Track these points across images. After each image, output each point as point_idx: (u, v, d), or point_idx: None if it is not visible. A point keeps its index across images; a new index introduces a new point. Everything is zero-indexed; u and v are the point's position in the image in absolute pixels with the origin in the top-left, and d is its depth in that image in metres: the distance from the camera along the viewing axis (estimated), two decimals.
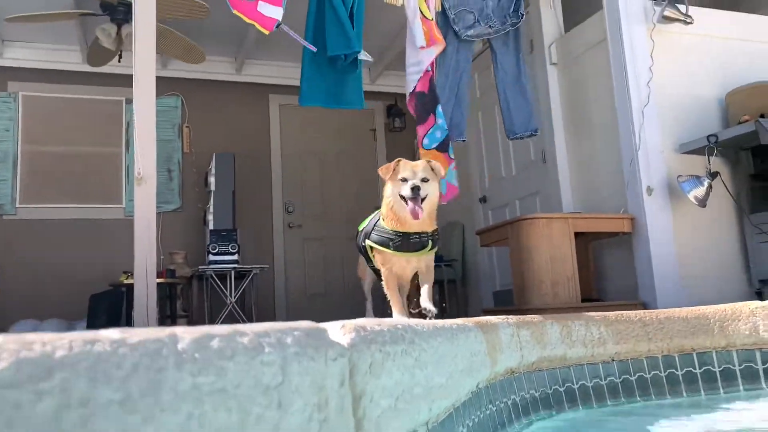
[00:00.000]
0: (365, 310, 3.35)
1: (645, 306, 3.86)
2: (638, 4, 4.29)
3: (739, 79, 4.31)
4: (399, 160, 2.71)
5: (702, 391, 2.48)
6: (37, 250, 6.23)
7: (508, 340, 2.04)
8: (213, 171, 6.34)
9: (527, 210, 5.20)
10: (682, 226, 4.09)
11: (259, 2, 3.66)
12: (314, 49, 3.96)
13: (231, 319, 5.74)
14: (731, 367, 2.55)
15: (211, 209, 6.25)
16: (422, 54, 4.16)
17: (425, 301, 2.73)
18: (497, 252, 5.74)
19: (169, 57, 6.26)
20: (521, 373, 2.14)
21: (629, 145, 4.13)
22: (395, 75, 6.97)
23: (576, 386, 2.34)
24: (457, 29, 4.46)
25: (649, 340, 2.50)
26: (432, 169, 2.68)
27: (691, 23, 4.26)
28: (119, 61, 5.36)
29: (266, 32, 3.74)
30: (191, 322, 6.18)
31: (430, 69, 4.18)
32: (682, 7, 4.25)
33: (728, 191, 4.14)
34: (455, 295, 6.40)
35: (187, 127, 6.93)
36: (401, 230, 2.69)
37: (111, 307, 5.51)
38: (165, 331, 0.72)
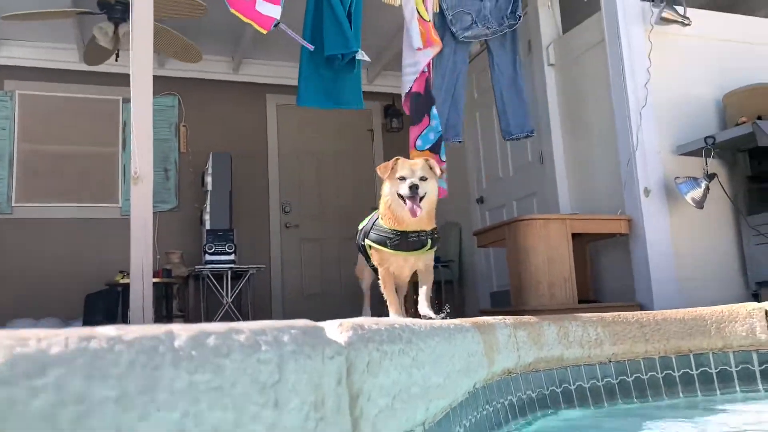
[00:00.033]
0: (362, 308, 3.32)
1: (642, 307, 3.86)
2: (636, 5, 4.30)
3: (737, 80, 4.31)
4: (397, 159, 2.68)
5: (699, 393, 2.48)
6: (33, 249, 6.21)
7: (505, 341, 2.04)
8: (210, 170, 6.33)
9: (524, 211, 5.21)
10: (679, 227, 4.09)
11: (258, 0, 3.65)
12: (311, 47, 3.95)
13: (227, 320, 5.72)
14: (728, 368, 2.55)
15: (208, 209, 6.24)
16: (419, 55, 4.16)
17: (423, 308, 2.70)
18: (494, 253, 5.74)
19: (166, 56, 6.24)
20: (518, 374, 2.14)
21: (627, 147, 4.13)
22: (393, 75, 6.97)
23: (573, 387, 2.34)
24: (454, 30, 4.46)
25: (646, 342, 2.50)
26: (430, 168, 2.65)
27: (688, 25, 4.27)
28: (116, 60, 5.35)
29: (264, 32, 3.73)
30: (187, 322, 6.16)
31: (426, 70, 4.18)
32: (679, 9, 4.26)
33: (725, 193, 4.15)
34: (452, 295, 6.39)
35: (184, 126, 6.91)
36: (399, 229, 2.66)
37: (107, 307, 5.50)
38: (162, 329, 0.71)
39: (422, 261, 2.76)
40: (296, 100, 4.13)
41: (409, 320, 1.40)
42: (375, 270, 2.90)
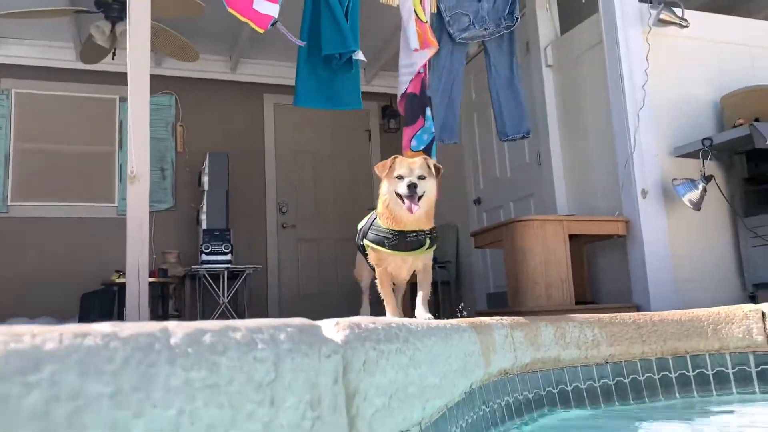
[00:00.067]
0: (361, 306, 3.29)
1: (639, 309, 3.86)
2: (634, 7, 4.30)
3: (734, 82, 4.32)
4: (395, 157, 2.65)
5: (695, 394, 2.48)
6: (28, 248, 6.19)
7: (502, 341, 2.03)
8: (206, 170, 6.32)
9: (522, 212, 5.21)
10: (676, 229, 4.09)
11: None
12: (302, 44, 3.94)
13: (223, 320, 5.70)
14: (724, 370, 2.55)
15: (205, 209, 6.23)
16: (415, 56, 4.16)
17: (421, 311, 2.69)
18: (491, 254, 5.74)
19: (163, 55, 6.23)
20: (515, 375, 2.13)
21: (624, 148, 4.14)
22: (390, 76, 6.96)
23: (569, 388, 2.33)
24: (451, 31, 4.46)
25: (643, 343, 2.50)
26: (429, 166, 2.62)
27: (686, 27, 4.27)
28: (113, 59, 5.34)
29: (261, 31, 3.73)
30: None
31: (422, 71, 4.18)
32: (677, 11, 4.26)
33: (723, 195, 4.15)
34: (449, 296, 6.39)
35: (180, 125, 6.90)
36: (397, 229, 2.63)
37: (103, 306, 5.49)
38: (157, 326, 0.71)
39: (421, 261, 2.73)
40: (293, 101, 4.11)
41: (406, 320, 1.40)
42: (375, 269, 2.87)
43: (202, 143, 6.78)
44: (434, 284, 2.91)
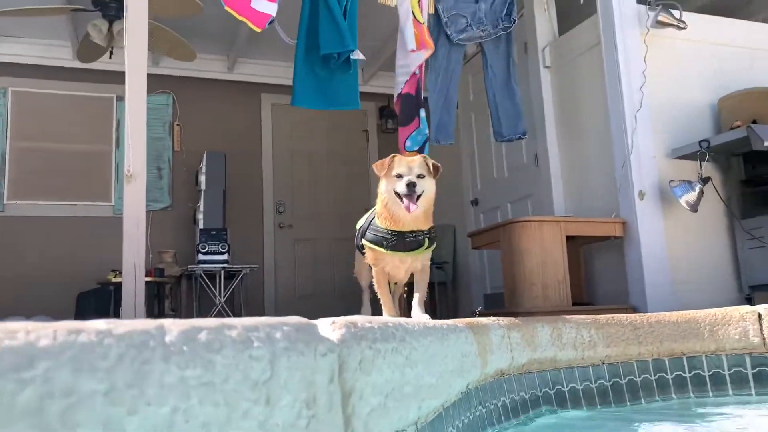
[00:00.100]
0: (362, 306, 3.26)
1: (635, 310, 3.86)
2: (632, 8, 4.30)
3: (732, 84, 4.33)
4: (394, 156, 2.62)
5: (691, 396, 2.48)
6: (25, 247, 6.18)
7: (498, 342, 2.03)
8: (203, 170, 6.31)
9: (519, 213, 5.21)
10: (673, 230, 4.10)
11: None
12: (292, 42, 3.93)
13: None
14: (721, 371, 2.55)
15: (201, 208, 6.22)
16: (411, 57, 4.17)
17: (417, 311, 2.68)
18: (488, 255, 5.74)
19: (160, 54, 6.22)
20: (511, 375, 2.13)
21: (621, 149, 4.14)
22: (388, 76, 6.95)
23: (566, 389, 2.33)
24: (449, 33, 4.46)
25: (640, 344, 2.50)
26: (428, 165, 2.60)
27: (684, 28, 4.27)
28: (110, 58, 5.33)
29: (258, 30, 3.72)
30: None
31: (417, 72, 4.19)
32: (675, 13, 4.27)
33: (720, 197, 4.16)
34: (446, 297, 6.39)
35: (178, 125, 6.89)
36: (396, 229, 2.61)
37: (99, 306, 5.48)
38: (152, 323, 0.70)
39: (419, 261, 2.71)
40: (291, 101, 4.11)
41: (403, 319, 1.39)
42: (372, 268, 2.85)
43: (199, 143, 6.77)
44: (431, 285, 2.90)
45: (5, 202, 6.27)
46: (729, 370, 2.54)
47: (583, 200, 4.69)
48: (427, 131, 4.17)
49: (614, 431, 2.08)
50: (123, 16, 3.80)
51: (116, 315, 5.00)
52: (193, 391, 0.67)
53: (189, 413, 0.66)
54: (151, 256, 5.89)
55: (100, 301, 5.52)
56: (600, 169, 4.50)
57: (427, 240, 2.65)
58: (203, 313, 6.21)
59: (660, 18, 4.23)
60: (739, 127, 3.90)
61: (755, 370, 2.52)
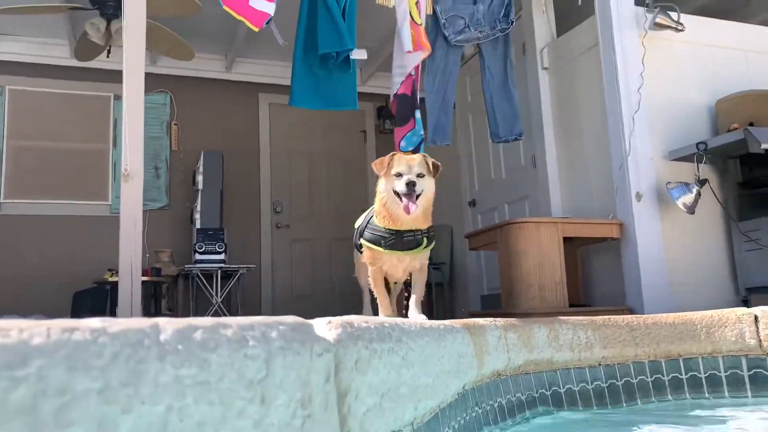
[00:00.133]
0: (363, 307, 3.24)
1: (632, 312, 3.87)
2: (630, 10, 4.31)
3: (729, 87, 4.34)
4: (394, 154, 2.60)
5: (688, 397, 2.48)
6: (21, 245, 6.17)
7: (495, 343, 2.03)
8: (201, 169, 6.30)
9: (516, 214, 5.21)
10: (670, 232, 4.10)
11: None
12: (284, 45, 3.93)
13: None
14: (717, 373, 2.55)
15: (199, 208, 6.22)
16: (407, 58, 4.18)
17: (414, 311, 2.67)
18: (485, 256, 5.74)
19: (158, 54, 6.22)
20: (508, 376, 2.13)
21: (619, 151, 4.14)
22: (386, 77, 6.92)
23: (563, 390, 2.33)
24: (447, 34, 4.47)
25: (636, 345, 2.50)
26: (428, 164, 2.58)
27: (682, 30, 4.28)
28: (107, 57, 5.32)
29: (256, 29, 3.72)
30: None
31: (413, 73, 4.20)
32: (673, 15, 4.27)
33: (717, 199, 4.16)
34: (443, 298, 6.39)
35: (175, 124, 6.89)
36: (394, 228, 2.59)
37: (95, 305, 5.47)
38: (147, 322, 0.70)
39: (418, 261, 2.69)
40: (289, 101, 4.10)
41: (399, 319, 1.39)
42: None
43: (196, 142, 6.77)
44: (428, 285, 2.89)
45: (2, 200, 6.25)
46: (725, 372, 2.55)
47: (581, 201, 4.69)
48: (422, 132, 4.18)
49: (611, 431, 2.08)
50: (121, 15, 3.80)
51: (113, 314, 4.99)
52: (188, 390, 0.67)
53: (184, 412, 0.66)
54: (147, 255, 5.87)
55: (97, 300, 5.51)
56: (597, 171, 4.51)
57: (425, 239, 2.64)
58: (200, 313, 6.20)
59: (658, 20, 4.24)
60: (736, 129, 3.90)
61: (751, 372, 2.53)
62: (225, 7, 3.64)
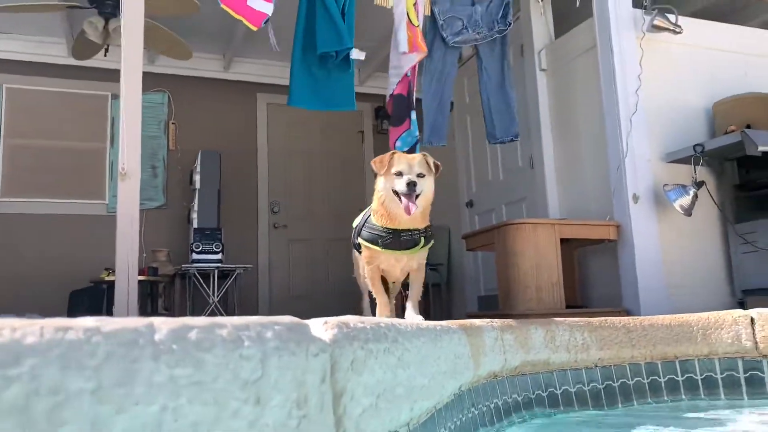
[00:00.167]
0: (363, 309, 3.23)
1: (629, 313, 3.87)
2: (628, 12, 4.31)
3: (727, 89, 4.34)
4: (394, 153, 2.58)
5: (684, 399, 2.48)
6: (17, 244, 6.15)
7: (491, 344, 2.03)
8: (198, 169, 6.30)
9: (514, 215, 5.21)
10: (667, 234, 4.10)
11: None
12: (277, 50, 3.94)
13: None
14: (713, 375, 2.55)
15: (196, 207, 6.21)
16: (403, 59, 4.19)
17: (411, 312, 2.66)
18: (483, 256, 5.74)
19: (156, 53, 6.21)
20: (504, 377, 2.13)
21: (616, 153, 4.15)
22: (384, 77, 6.92)
23: (559, 392, 2.33)
24: (445, 35, 4.47)
25: (633, 347, 2.50)
26: (428, 164, 2.57)
27: (680, 33, 4.28)
28: (105, 56, 5.31)
29: (254, 28, 3.72)
30: None
31: (409, 74, 4.20)
32: (671, 17, 4.28)
33: (713, 201, 4.17)
34: (440, 299, 6.39)
35: (173, 123, 6.88)
36: (392, 227, 2.58)
37: (91, 304, 5.45)
38: (142, 321, 0.70)
39: (415, 260, 2.68)
40: (287, 101, 4.10)
41: (396, 320, 1.39)
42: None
43: (194, 141, 6.76)
44: (425, 286, 2.89)
45: None
46: (721, 374, 2.55)
47: (578, 203, 4.69)
48: (417, 133, 4.18)
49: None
50: (119, 13, 3.79)
51: (109, 313, 4.98)
52: (182, 390, 0.67)
53: (178, 412, 0.65)
54: (144, 254, 5.87)
55: (93, 299, 5.50)
56: (595, 172, 4.51)
57: (422, 239, 2.63)
58: (197, 313, 6.19)
59: (656, 22, 4.24)
60: (733, 131, 3.91)
61: (747, 374, 2.53)
62: (223, 6, 3.63)
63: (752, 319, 2.58)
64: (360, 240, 2.69)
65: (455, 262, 6.45)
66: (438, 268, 6.29)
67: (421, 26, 4.28)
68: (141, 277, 4.84)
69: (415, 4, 4.24)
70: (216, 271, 5.87)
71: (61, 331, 0.59)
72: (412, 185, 2.47)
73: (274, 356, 0.80)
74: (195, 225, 6.11)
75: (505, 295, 3.90)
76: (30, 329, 0.57)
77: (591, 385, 2.40)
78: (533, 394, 2.24)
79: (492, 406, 1.98)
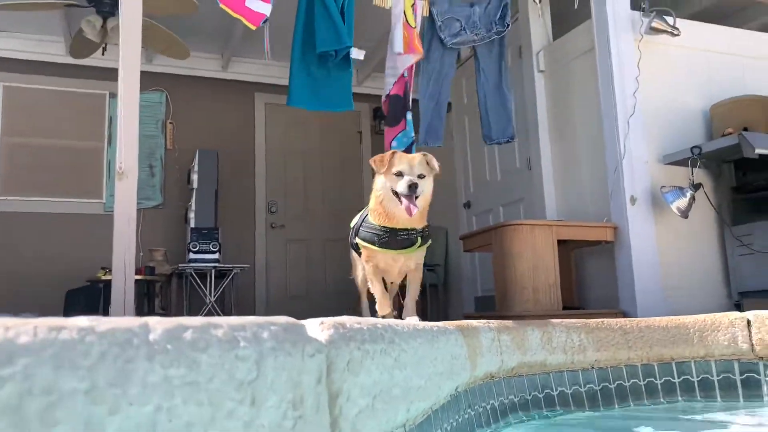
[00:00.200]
0: (361, 309, 3.21)
1: (625, 315, 3.87)
2: (626, 14, 4.31)
3: (724, 91, 4.35)
4: (394, 152, 2.57)
5: (680, 401, 2.48)
6: (14, 243, 6.14)
7: (488, 345, 2.03)
8: (196, 168, 6.29)
9: (511, 216, 5.21)
10: (664, 236, 4.11)
11: None
12: (268, 58, 3.95)
13: None
14: (709, 377, 2.55)
15: (193, 207, 6.20)
16: (399, 59, 4.19)
17: (408, 312, 2.65)
18: (480, 257, 5.74)
19: (154, 52, 6.20)
20: (500, 378, 2.13)
21: (614, 154, 4.15)
22: (382, 77, 6.94)
23: (555, 393, 2.33)
24: (443, 36, 4.47)
25: (629, 349, 2.50)
26: (428, 164, 2.56)
27: (678, 35, 4.29)
28: (103, 54, 5.30)
29: (253, 27, 3.71)
30: None
31: (406, 75, 4.21)
32: (669, 19, 4.28)
33: (710, 203, 4.17)
34: (437, 299, 6.39)
35: (170, 123, 6.87)
36: (389, 226, 2.57)
37: (88, 303, 5.44)
38: (137, 321, 0.69)
39: (413, 260, 2.67)
40: (287, 101, 4.10)
41: (392, 321, 1.39)
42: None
43: (191, 141, 6.75)
44: (422, 287, 2.88)
45: None
46: (717, 375, 2.55)
47: (575, 204, 4.69)
48: (413, 134, 4.19)
49: None
50: (117, 12, 3.78)
51: (105, 313, 4.97)
52: (177, 391, 0.66)
53: (172, 412, 0.65)
54: (141, 254, 5.86)
55: (90, 298, 5.48)
56: (592, 174, 4.51)
57: (419, 238, 2.62)
58: (193, 312, 6.18)
59: (654, 24, 4.24)
60: (730, 134, 3.91)
61: (743, 376, 2.53)
62: (222, 5, 3.63)
63: (749, 322, 2.58)
64: (357, 240, 2.69)
65: (452, 263, 6.45)
66: (435, 269, 6.28)
67: (418, 28, 4.28)
68: (138, 277, 4.82)
69: (413, 5, 4.24)
70: (213, 271, 5.87)
71: (54, 331, 0.59)
72: (413, 187, 2.46)
73: (270, 357, 0.80)
74: (192, 224, 6.10)
75: (502, 296, 3.90)
76: (23, 328, 0.57)
77: (587, 386, 2.40)
78: (530, 395, 2.24)
79: (488, 407, 1.98)
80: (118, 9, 3.63)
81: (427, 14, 4.44)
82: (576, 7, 4.67)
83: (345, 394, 0.98)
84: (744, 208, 4.17)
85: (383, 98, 4.25)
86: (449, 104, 4.94)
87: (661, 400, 2.47)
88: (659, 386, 2.50)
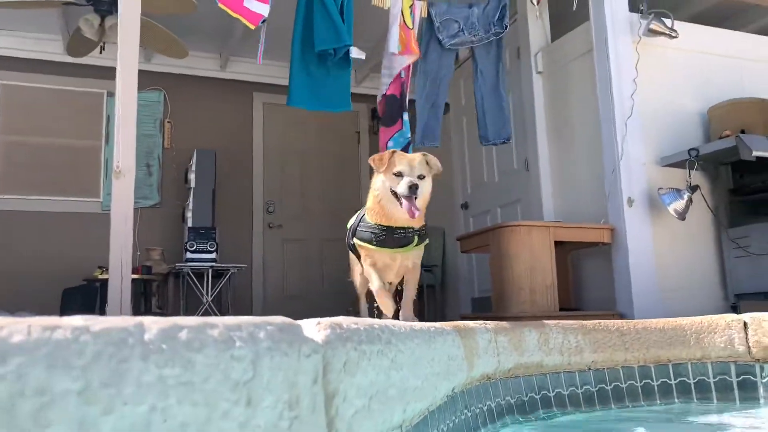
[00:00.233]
0: (359, 311, 3.19)
1: (622, 317, 3.87)
2: (624, 16, 4.32)
3: (722, 94, 4.35)
4: (394, 152, 2.55)
5: (677, 402, 2.48)
6: (11, 242, 6.12)
7: (485, 346, 2.02)
8: (193, 168, 6.28)
9: (508, 217, 5.21)
10: (661, 238, 4.11)
11: None
12: (260, 61, 3.95)
13: None
14: (706, 379, 2.55)
15: (190, 206, 6.19)
16: (395, 59, 4.19)
17: (406, 313, 2.64)
18: (477, 258, 5.74)
19: (152, 51, 6.19)
20: (497, 379, 2.12)
21: (611, 156, 4.15)
22: (380, 78, 6.96)
23: (552, 394, 2.33)
24: (441, 38, 4.47)
25: (626, 350, 2.50)
26: (428, 164, 2.55)
27: (676, 37, 4.29)
28: (101, 53, 5.29)
29: (252, 27, 3.71)
30: None
31: (403, 75, 4.21)
32: (667, 21, 4.29)
33: (707, 205, 4.18)
34: (434, 300, 6.39)
35: (168, 122, 6.86)
36: (386, 224, 2.56)
37: (84, 302, 5.43)
38: (132, 321, 0.69)
39: (410, 260, 2.66)
40: (286, 101, 4.10)
41: (389, 321, 1.38)
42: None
43: (189, 140, 6.74)
44: (419, 287, 2.87)
45: None
46: (714, 377, 2.55)
47: (573, 206, 4.70)
48: (409, 135, 4.19)
49: None
50: (115, 11, 3.77)
51: (102, 312, 4.96)
52: (171, 391, 0.66)
53: (167, 413, 0.65)
54: (138, 253, 5.85)
55: (86, 297, 5.47)
56: (589, 175, 4.51)
57: (416, 237, 2.62)
58: (190, 312, 6.17)
59: (652, 26, 4.25)
60: (728, 136, 3.92)
61: (740, 378, 2.53)
62: (220, 5, 3.63)
63: (745, 324, 2.58)
64: (354, 239, 2.68)
65: (449, 264, 6.45)
66: (432, 270, 6.28)
67: (415, 29, 4.28)
68: (135, 276, 4.83)
69: (411, 6, 4.24)
70: (210, 271, 5.86)
71: (48, 330, 0.58)
72: (414, 188, 2.44)
73: (266, 357, 0.80)
74: (189, 224, 6.09)
75: (499, 297, 3.90)
76: (17, 328, 0.57)
77: (584, 387, 2.40)
78: (526, 396, 2.23)
79: (485, 408, 1.97)
80: (116, 7, 3.62)
81: (426, 15, 4.44)
82: (574, 8, 4.67)
83: (341, 395, 0.98)
84: (741, 210, 4.18)
85: (379, 98, 4.25)
86: (447, 105, 4.94)
87: (658, 401, 2.47)
88: (656, 388, 2.50)
